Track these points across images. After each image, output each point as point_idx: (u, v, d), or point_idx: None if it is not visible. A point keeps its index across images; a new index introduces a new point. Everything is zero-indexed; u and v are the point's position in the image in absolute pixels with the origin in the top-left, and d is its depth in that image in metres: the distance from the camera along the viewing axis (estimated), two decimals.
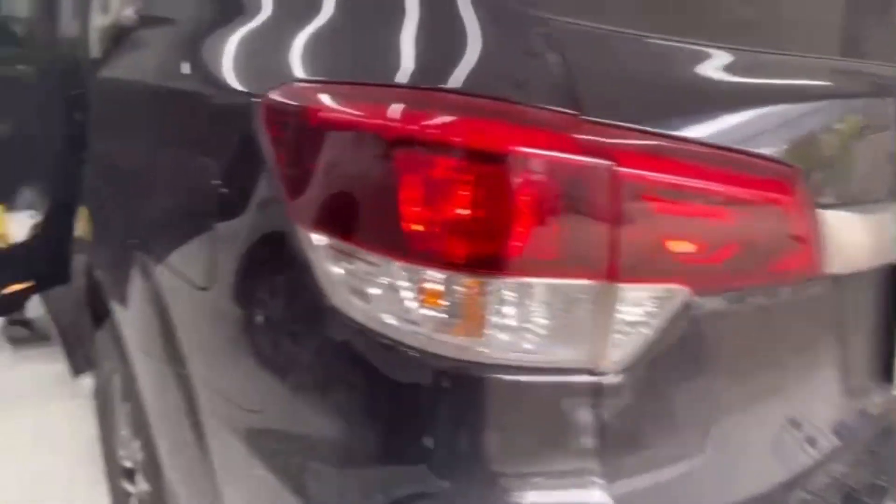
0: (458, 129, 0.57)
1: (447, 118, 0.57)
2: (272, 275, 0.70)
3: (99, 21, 2.09)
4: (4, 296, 1.94)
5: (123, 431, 1.44)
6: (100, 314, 1.64)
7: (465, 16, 0.63)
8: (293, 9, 0.81)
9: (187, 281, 0.84)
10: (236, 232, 0.75)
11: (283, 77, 0.71)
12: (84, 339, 1.98)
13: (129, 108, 1.21)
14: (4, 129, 1.81)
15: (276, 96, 0.68)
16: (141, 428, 1.21)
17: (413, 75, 0.62)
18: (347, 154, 0.62)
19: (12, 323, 2.73)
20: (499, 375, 0.59)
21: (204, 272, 0.80)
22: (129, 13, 1.35)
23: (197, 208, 0.85)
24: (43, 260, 2.01)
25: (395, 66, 0.64)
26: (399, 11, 0.67)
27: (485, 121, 0.57)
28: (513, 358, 0.60)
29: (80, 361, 1.92)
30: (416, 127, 0.57)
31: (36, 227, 1.92)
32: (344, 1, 0.74)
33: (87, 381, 1.93)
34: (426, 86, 0.61)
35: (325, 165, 0.63)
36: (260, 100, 0.70)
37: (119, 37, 1.83)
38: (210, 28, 0.96)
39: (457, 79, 0.60)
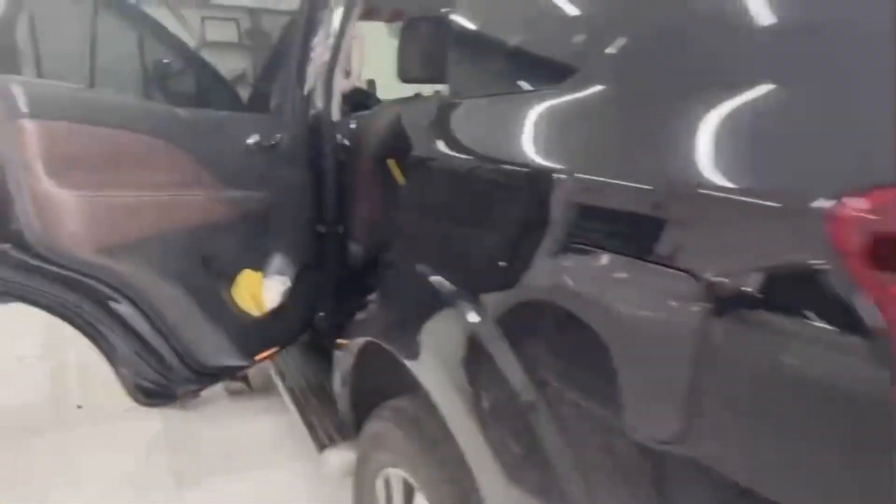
0: None
1: None
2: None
3: (342, 84, 2.10)
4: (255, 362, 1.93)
5: None
6: (370, 399, 1.55)
7: None
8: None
9: (626, 426, 0.66)
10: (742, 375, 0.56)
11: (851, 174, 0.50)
12: (328, 415, 1.92)
13: (490, 190, 1.04)
14: (263, 197, 1.81)
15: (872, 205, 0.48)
16: None
17: None
18: None
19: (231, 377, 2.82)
20: None
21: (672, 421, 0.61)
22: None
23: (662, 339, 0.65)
24: (288, 325, 1.99)
25: None
26: None
27: None
28: None
29: (323, 437, 1.86)
30: None
31: (285, 293, 1.90)
32: None
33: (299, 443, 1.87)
34: None
35: None
36: (824, 206, 0.50)
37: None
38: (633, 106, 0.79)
39: None
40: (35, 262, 1.33)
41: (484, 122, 1.14)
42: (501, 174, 1.01)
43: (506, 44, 1.17)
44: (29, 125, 1.21)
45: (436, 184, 1.24)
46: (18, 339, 3.39)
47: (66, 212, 1.28)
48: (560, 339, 0.83)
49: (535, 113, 1.04)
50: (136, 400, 1.70)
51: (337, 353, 1.57)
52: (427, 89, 2.62)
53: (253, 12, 5.57)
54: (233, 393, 2.81)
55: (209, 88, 2.69)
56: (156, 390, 1.71)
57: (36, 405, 2.78)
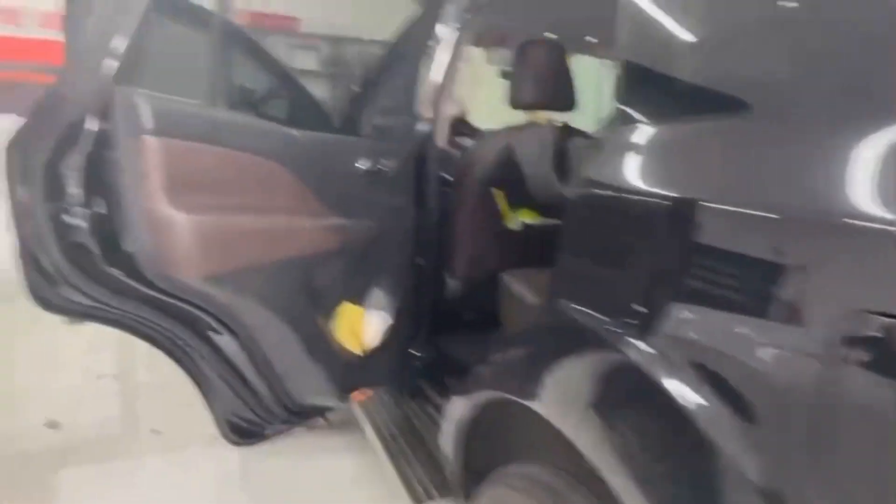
0: None
1: None
2: None
3: (449, 110, 1.99)
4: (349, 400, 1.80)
5: None
6: (486, 458, 1.38)
7: None
8: None
9: None
10: None
11: None
12: (422, 463, 1.77)
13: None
14: (369, 225, 1.70)
15: None
16: None
17: None
18: None
19: None
20: None
21: None
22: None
23: None
24: (385, 364, 1.86)
25: None
26: None
27: None
28: None
29: (418, 489, 1.69)
30: None
31: (387, 330, 1.77)
32: None
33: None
34: None
35: None
36: None
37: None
38: None
39: None
40: (141, 288, 1.24)
41: (663, 152, 0.98)
42: (688, 207, 0.87)
43: (685, 69, 1.02)
44: (151, 142, 1.13)
45: (594, 216, 1.08)
46: (95, 355, 3.39)
47: (179, 235, 1.19)
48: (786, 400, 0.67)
49: (724, 144, 0.89)
50: (226, 438, 1.59)
51: (448, 405, 1.41)
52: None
53: (335, 41, 5.65)
54: (311, 427, 2.69)
55: (303, 111, 2.64)
56: (247, 429, 1.60)
57: (111, 428, 2.73)
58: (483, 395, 1.28)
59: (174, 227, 1.18)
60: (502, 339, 1.36)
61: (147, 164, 1.14)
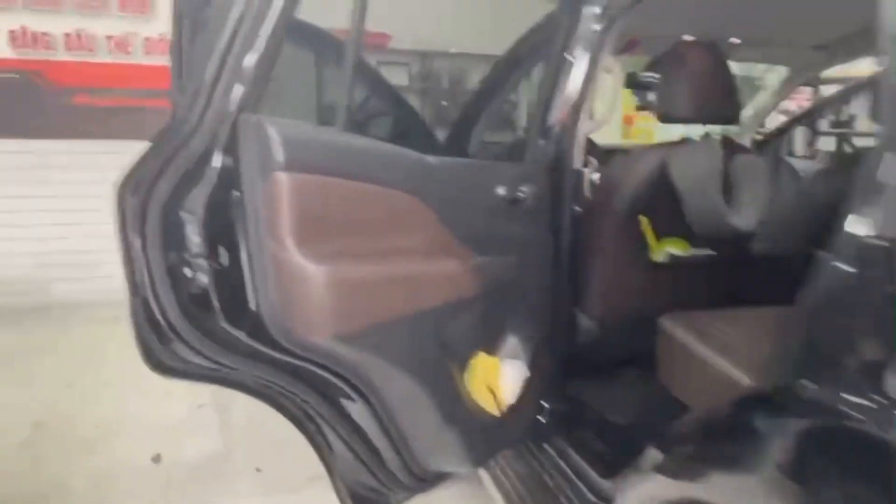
0: None
1: None
2: None
3: (586, 128, 1.73)
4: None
5: None
6: None
7: None
8: None
9: None
10: None
11: None
12: None
13: None
14: (509, 263, 1.46)
15: None
16: None
17: None
18: None
19: None
20: None
21: None
22: None
23: None
24: (520, 421, 1.61)
25: None
26: None
27: None
28: None
29: None
30: None
31: (525, 383, 1.52)
32: None
33: None
34: None
35: None
36: None
37: None
38: None
39: None
40: (265, 350, 1.06)
41: None
42: None
43: None
44: (283, 178, 0.94)
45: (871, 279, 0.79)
46: (196, 384, 3.32)
47: (310, 290, 0.99)
48: None
49: None
50: None
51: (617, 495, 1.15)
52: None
53: (424, 56, 5.51)
54: None
55: (408, 130, 2.46)
56: (371, 498, 1.39)
57: (210, 464, 2.62)
58: (666, 490, 1.01)
59: (304, 281, 0.98)
60: (676, 411, 1.08)
61: (277, 206, 0.95)
